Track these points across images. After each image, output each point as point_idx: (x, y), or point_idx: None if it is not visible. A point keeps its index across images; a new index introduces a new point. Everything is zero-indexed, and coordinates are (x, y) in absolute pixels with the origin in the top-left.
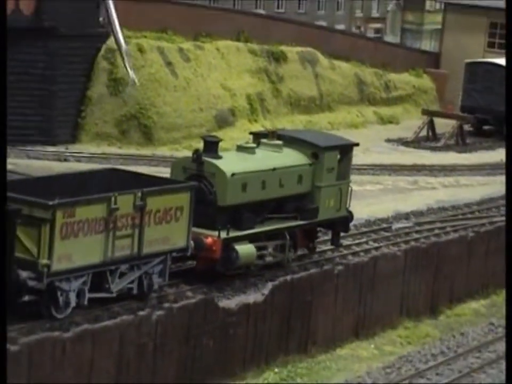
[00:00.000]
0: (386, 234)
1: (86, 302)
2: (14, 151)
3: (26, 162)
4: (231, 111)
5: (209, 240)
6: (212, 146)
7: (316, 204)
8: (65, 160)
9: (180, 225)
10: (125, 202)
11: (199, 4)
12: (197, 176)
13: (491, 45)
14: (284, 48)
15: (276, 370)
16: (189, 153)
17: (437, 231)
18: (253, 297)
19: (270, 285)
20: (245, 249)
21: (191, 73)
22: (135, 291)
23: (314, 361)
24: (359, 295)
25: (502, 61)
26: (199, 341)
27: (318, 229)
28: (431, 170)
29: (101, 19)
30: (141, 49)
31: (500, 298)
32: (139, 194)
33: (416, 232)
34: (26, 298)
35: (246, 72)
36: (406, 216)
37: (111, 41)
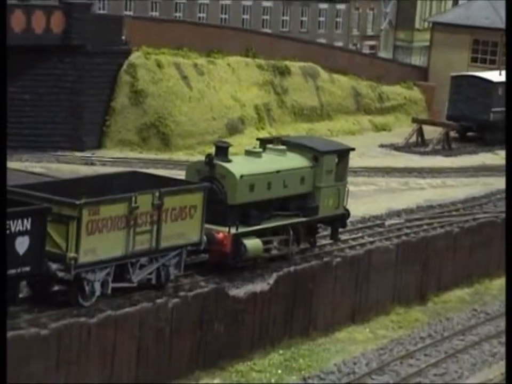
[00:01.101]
0: (380, 230)
1: (109, 291)
2: (46, 156)
3: (56, 166)
4: (241, 120)
5: (220, 235)
6: (222, 151)
7: (317, 203)
8: (92, 164)
9: (193, 222)
10: (144, 201)
11: (211, 23)
12: (209, 177)
13: (474, 60)
14: (288, 63)
15: (281, 352)
16: (202, 158)
17: (425, 227)
18: (259, 286)
19: (275, 276)
20: (253, 244)
21: (205, 86)
22: (153, 281)
23: (315, 344)
24: (355, 284)
25: (484, 74)
26: (211, 326)
27: (318, 225)
28: (420, 172)
29: (123, 37)
30: (159, 65)
31: (482, 287)
32: (157, 194)
33: (407, 228)
34: (55, 288)
35: (254, 85)
36: (398, 213)
37: (132, 57)
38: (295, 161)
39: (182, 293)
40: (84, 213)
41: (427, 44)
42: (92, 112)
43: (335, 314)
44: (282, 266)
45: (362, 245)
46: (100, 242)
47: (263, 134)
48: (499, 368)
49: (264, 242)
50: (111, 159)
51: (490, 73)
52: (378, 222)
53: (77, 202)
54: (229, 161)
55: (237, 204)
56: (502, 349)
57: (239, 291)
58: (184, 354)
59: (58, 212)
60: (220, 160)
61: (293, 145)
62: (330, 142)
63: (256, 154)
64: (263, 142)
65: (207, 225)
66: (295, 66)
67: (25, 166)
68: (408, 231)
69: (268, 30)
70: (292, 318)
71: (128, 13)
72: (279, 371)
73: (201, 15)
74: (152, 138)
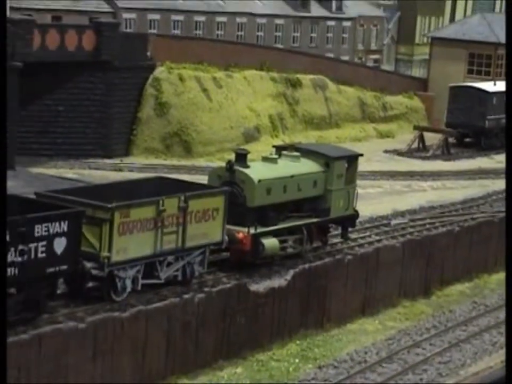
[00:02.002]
0: (386, 229)
1: (139, 287)
2: (78, 163)
3: (88, 172)
4: (256, 128)
5: (240, 235)
6: (242, 157)
7: (328, 204)
8: (120, 170)
9: (216, 223)
10: (170, 204)
11: (228, 40)
12: (230, 182)
13: (470, 71)
14: (299, 76)
15: (297, 342)
16: (222, 164)
17: (428, 226)
18: (277, 282)
19: (291, 272)
20: (270, 243)
21: (223, 97)
22: (179, 278)
23: (329, 335)
24: (365, 279)
25: (479, 85)
26: (233, 318)
27: (330, 225)
28: (422, 175)
29: (148, 54)
30: (181, 78)
31: (481, 281)
32: (182, 197)
33: (411, 227)
34: (90, 284)
35: (268, 96)
36: (402, 214)
37: (156, 72)
38: (308, 166)
39: (206, 289)
40: (115, 216)
41: (426, 57)
42: (120, 123)
43: (347, 307)
44: (298, 263)
45: (370, 243)
46: (131, 242)
47: (277, 142)
48: (499, 357)
49: (280, 241)
50: (138, 166)
51: (485, 84)
52: (385, 221)
53: (109, 205)
54: (248, 167)
55: (255, 206)
56: (502, 339)
57: (259, 286)
58: (209, 345)
59: (92, 215)
60: (239, 166)
61: (306, 152)
62: (340, 148)
63: (273, 160)
64: (279, 149)
65: (228, 226)
66: (305, 78)
67: (60, 172)
68: (412, 230)
69: (280, 46)
70: (307, 311)
71: (152, 31)
72: (296, 360)
73: (219, 32)
74: (175, 146)
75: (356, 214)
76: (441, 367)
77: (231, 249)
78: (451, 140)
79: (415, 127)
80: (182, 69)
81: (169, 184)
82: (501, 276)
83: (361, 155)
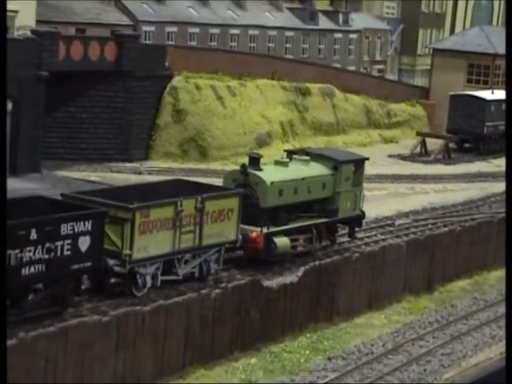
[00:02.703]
0: (391, 229)
1: (158, 283)
2: (101, 167)
3: (110, 175)
4: (268, 134)
5: (254, 234)
6: (255, 161)
7: (336, 206)
8: (140, 173)
9: (231, 223)
10: (188, 205)
11: (241, 51)
12: (244, 184)
13: (469, 80)
14: (308, 84)
15: (308, 335)
16: (236, 167)
17: (430, 226)
18: (289, 278)
19: (302, 269)
20: (282, 241)
21: (237, 105)
22: (196, 274)
23: (337, 328)
24: (371, 276)
25: (478, 93)
26: (247, 313)
27: (338, 225)
28: (424, 179)
29: (166, 64)
30: (197, 87)
31: (481, 278)
32: (199, 199)
33: (414, 227)
34: (112, 280)
35: (279, 104)
36: (406, 214)
37: (174, 81)
38: (317, 169)
39: (222, 284)
40: (136, 216)
41: (428, 67)
42: (139, 129)
43: (355, 302)
44: (308, 261)
45: (376, 242)
46: (151, 241)
47: (288, 146)
48: (498, 349)
49: (291, 240)
50: (157, 169)
51: (484, 92)
52: (389, 222)
53: (131, 206)
54: (261, 170)
55: (268, 207)
56: (501, 332)
57: (272, 282)
58: (224, 338)
59: (115, 215)
60: (253, 169)
61: (316, 156)
62: (348, 153)
63: (284, 164)
64: (290, 153)
65: (242, 226)
66: (314, 87)
67: (83, 175)
68: (415, 229)
69: (290, 56)
70: (317, 305)
71: (170, 42)
72: (307, 352)
73: (232, 44)
74: (191, 150)
75: (362, 215)
76: (443, 359)
77: (245, 247)
78: (451, 145)
79: (418, 133)
80: (198, 78)
81: (187, 186)
82: (500, 273)
83: (368, 159)
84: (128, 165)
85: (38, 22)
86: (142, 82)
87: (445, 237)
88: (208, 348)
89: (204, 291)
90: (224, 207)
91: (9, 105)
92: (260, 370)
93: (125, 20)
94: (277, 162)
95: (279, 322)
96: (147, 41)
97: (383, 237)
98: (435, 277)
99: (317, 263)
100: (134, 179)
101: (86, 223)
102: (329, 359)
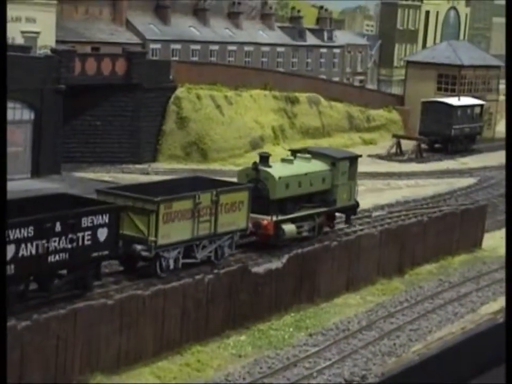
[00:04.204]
0: (368, 220)
1: (180, 266)
2: (113, 168)
3: (121, 176)
4: (261, 138)
5: (265, 222)
6: (264, 159)
7: (334, 197)
8: (148, 173)
9: (242, 213)
10: (205, 198)
11: (238, 65)
12: (255, 179)
13: (439, 89)
14: (296, 94)
15: (292, 314)
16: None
17: (403, 217)
18: (275, 264)
19: (286, 256)
20: (289, 228)
21: (233, 112)
22: (212, 258)
23: (318, 308)
24: (348, 262)
25: (446, 100)
26: (238, 295)
27: (336, 213)
28: (399, 175)
29: (171, 77)
30: (198, 97)
31: (446, 262)
32: (214, 192)
33: (389, 218)
34: (140, 264)
35: (271, 111)
36: (382, 207)
37: (178, 92)
38: (318, 165)
39: (215, 271)
40: (160, 207)
41: (403, 77)
42: (147, 134)
43: (334, 285)
44: (292, 249)
45: (354, 231)
46: (173, 229)
47: (278, 149)
48: (459, 324)
49: (297, 227)
50: (163, 170)
51: (451, 99)
52: (367, 214)
53: (156, 199)
54: (270, 166)
55: (277, 198)
56: (462, 309)
57: (259, 268)
58: (217, 318)
59: (142, 207)
60: (263, 166)
61: (316, 154)
62: (343, 151)
63: (289, 161)
64: (294, 152)
65: (255, 215)
66: (302, 96)
67: (98, 176)
68: (389, 220)
69: (281, 69)
70: (300, 288)
71: (174, 58)
72: (291, 329)
73: (230, 59)
74: (193, 153)
75: (356, 204)
76: (411, 334)
77: (258, 233)
78: (423, 145)
79: (393, 136)
80: (199, 89)
81: (204, 182)
82: (462, 258)
83: (361, 156)
84: (137, 166)
85: (58, 42)
86: (149, 94)
87: (414, 226)
88: (203, 326)
89: (198, 277)
90: (236, 200)
91: (32, 115)
92: (249, 345)
93: (135, 39)
94: (283, 160)
95: (266, 303)
96: (154, 57)
97: (360, 227)
98: (405, 262)
99: (299, 251)
100: (142, 179)
101: (104, 216)
102: (310, 335)
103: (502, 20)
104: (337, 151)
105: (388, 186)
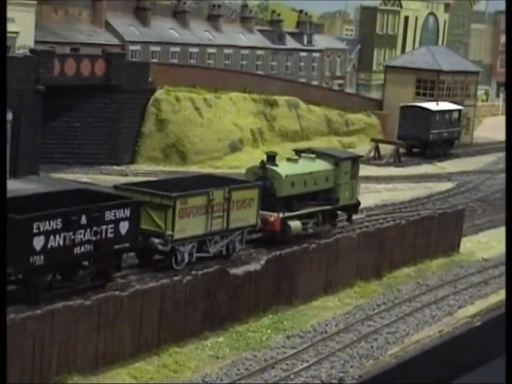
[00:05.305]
0: (347, 223)
1: (194, 259)
2: (92, 169)
3: (100, 177)
4: (240, 141)
5: (272, 218)
6: (271, 158)
7: (337, 195)
8: (126, 175)
9: (252, 210)
10: (218, 195)
11: (217, 67)
12: (263, 177)
13: (417, 93)
14: (275, 97)
15: (270, 316)
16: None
17: (381, 220)
18: (253, 266)
19: (265, 258)
20: (295, 224)
21: (212, 115)
22: (224, 252)
23: (297, 310)
24: (327, 264)
25: (424, 105)
26: (216, 296)
27: (338, 212)
28: (377, 179)
29: (150, 79)
30: (177, 99)
31: (424, 266)
32: (227, 190)
33: (367, 221)
34: (156, 257)
35: (250, 114)
36: (360, 210)
37: (157, 94)
38: (322, 165)
39: (193, 272)
40: (177, 203)
41: (382, 82)
42: (126, 136)
43: (312, 287)
44: (271, 251)
45: (334, 234)
46: (188, 224)
47: (257, 152)
48: (436, 328)
49: (302, 224)
50: (142, 171)
51: (429, 104)
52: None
53: (173, 195)
54: (276, 165)
55: (283, 196)
56: (439, 312)
57: (238, 270)
58: (195, 319)
59: (160, 202)
60: (270, 165)
61: (320, 154)
62: (346, 152)
63: (295, 161)
64: (298, 152)
65: (263, 212)
66: (281, 99)
67: (76, 177)
68: (367, 224)
69: (260, 72)
70: (279, 290)
71: (153, 60)
72: (269, 331)
73: (209, 61)
74: (172, 155)
75: (358, 203)
76: (388, 336)
77: (265, 230)
78: (402, 150)
79: (372, 140)
80: (178, 92)
81: (217, 180)
82: (440, 261)
83: (362, 156)
84: (116, 168)
85: (37, 42)
86: (128, 95)
87: (392, 229)
88: (181, 328)
89: (176, 278)
90: (246, 197)
91: (10, 115)
92: (226, 347)
93: (114, 40)
94: (289, 160)
95: (244, 305)
96: (133, 59)
97: (339, 230)
98: (383, 265)
99: (278, 253)
100: (121, 180)
101: (125, 210)
102: (288, 337)
103: (480, 27)
104: (340, 152)
105: (366, 190)
